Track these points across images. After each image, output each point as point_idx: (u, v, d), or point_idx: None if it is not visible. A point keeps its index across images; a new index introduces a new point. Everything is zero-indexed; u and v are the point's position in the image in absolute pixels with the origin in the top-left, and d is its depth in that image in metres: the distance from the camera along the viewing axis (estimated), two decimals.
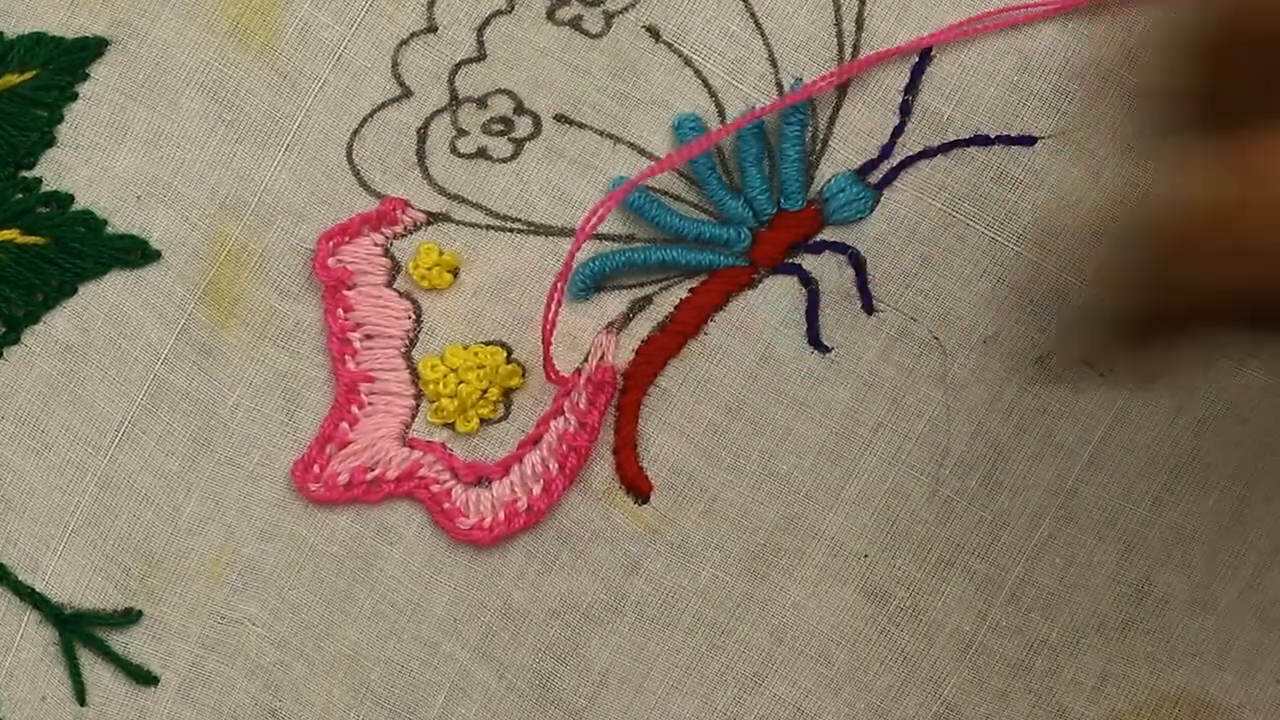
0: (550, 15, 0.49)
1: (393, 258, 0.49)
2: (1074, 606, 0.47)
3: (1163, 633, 0.47)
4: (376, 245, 0.49)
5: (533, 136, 0.49)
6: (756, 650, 0.48)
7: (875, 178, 0.48)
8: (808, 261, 0.48)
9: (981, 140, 0.48)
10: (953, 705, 0.47)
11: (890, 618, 0.48)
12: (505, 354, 0.48)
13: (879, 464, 0.48)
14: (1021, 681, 0.47)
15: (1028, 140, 0.48)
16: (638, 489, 0.48)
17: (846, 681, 0.48)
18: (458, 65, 0.49)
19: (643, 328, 0.48)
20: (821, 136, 0.48)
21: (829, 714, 0.48)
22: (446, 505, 0.48)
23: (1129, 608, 0.47)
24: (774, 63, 0.48)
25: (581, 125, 0.48)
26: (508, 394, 0.48)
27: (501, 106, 0.49)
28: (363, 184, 0.49)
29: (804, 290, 0.48)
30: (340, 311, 0.48)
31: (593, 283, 0.48)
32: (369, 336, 0.48)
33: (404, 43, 0.49)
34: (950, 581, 0.47)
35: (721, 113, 0.48)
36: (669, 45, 0.48)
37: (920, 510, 0.47)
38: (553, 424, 0.48)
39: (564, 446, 0.48)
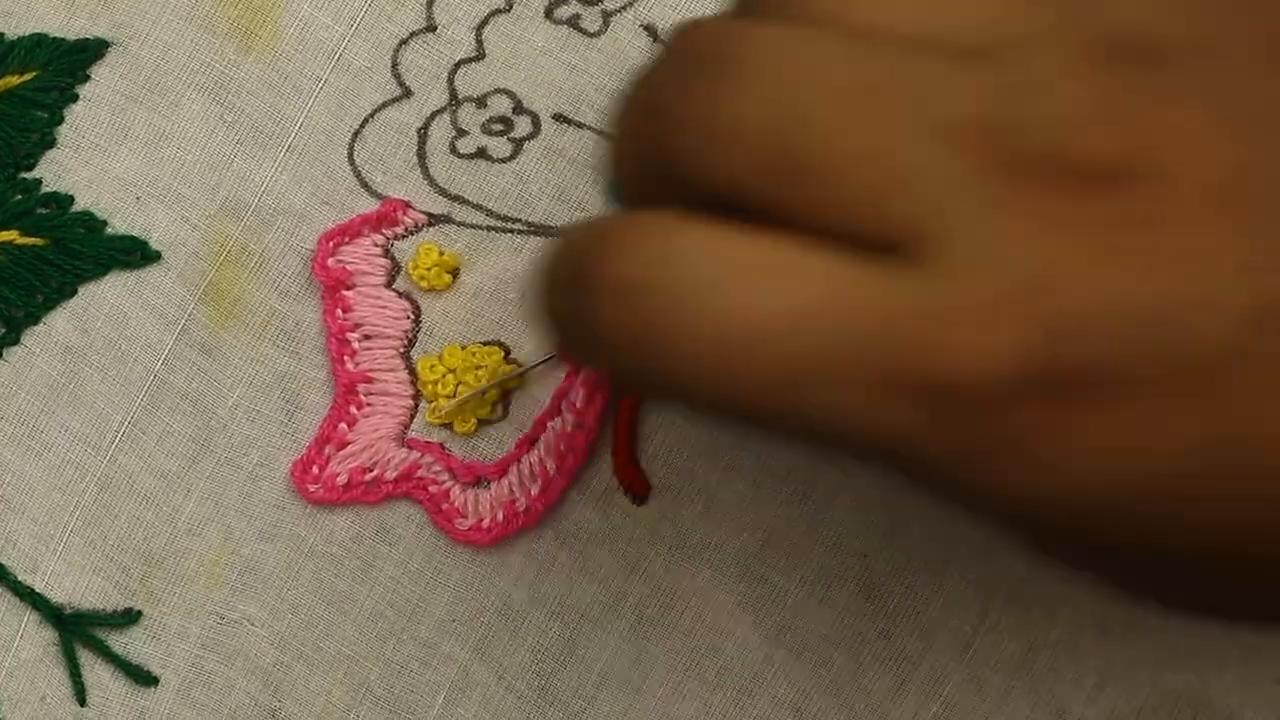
0: (548, 14, 0.49)
1: (393, 258, 0.49)
2: (1075, 606, 0.47)
3: (1163, 633, 0.47)
4: (377, 246, 0.49)
5: (532, 136, 0.48)
6: (755, 651, 0.48)
7: None
8: None
9: None
10: (953, 705, 0.47)
11: (890, 617, 0.47)
12: (503, 354, 0.48)
13: None
14: (1022, 681, 0.47)
15: None
16: (636, 489, 0.48)
17: (846, 682, 0.48)
18: (457, 65, 0.49)
19: None
20: None
21: (828, 715, 0.48)
22: (445, 506, 0.48)
23: (1130, 607, 0.47)
24: None
25: (580, 125, 0.48)
26: (506, 394, 0.48)
27: (501, 106, 0.49)
28: (364, 185, 0.49)
29: None
30: (339, 312, 0.48)
31: None
32: (368, 337, 0.48)
33: (403, 42, 0.49)
34: (950, 581, 0.47)
35: None
36: None
37: (920, 509, 0.47)
38: (550, 424, 0.48)
39: (562, 446, 0.48)
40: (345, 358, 0.48)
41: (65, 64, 0.49)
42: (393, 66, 0.49)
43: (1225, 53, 0.31)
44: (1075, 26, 0.31)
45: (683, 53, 0.33)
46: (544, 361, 0.48)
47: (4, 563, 0.49)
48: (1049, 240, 0.30)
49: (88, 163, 0.49)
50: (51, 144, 0.49)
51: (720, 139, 0.32)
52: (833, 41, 0.32)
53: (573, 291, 0.33)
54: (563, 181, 0.48)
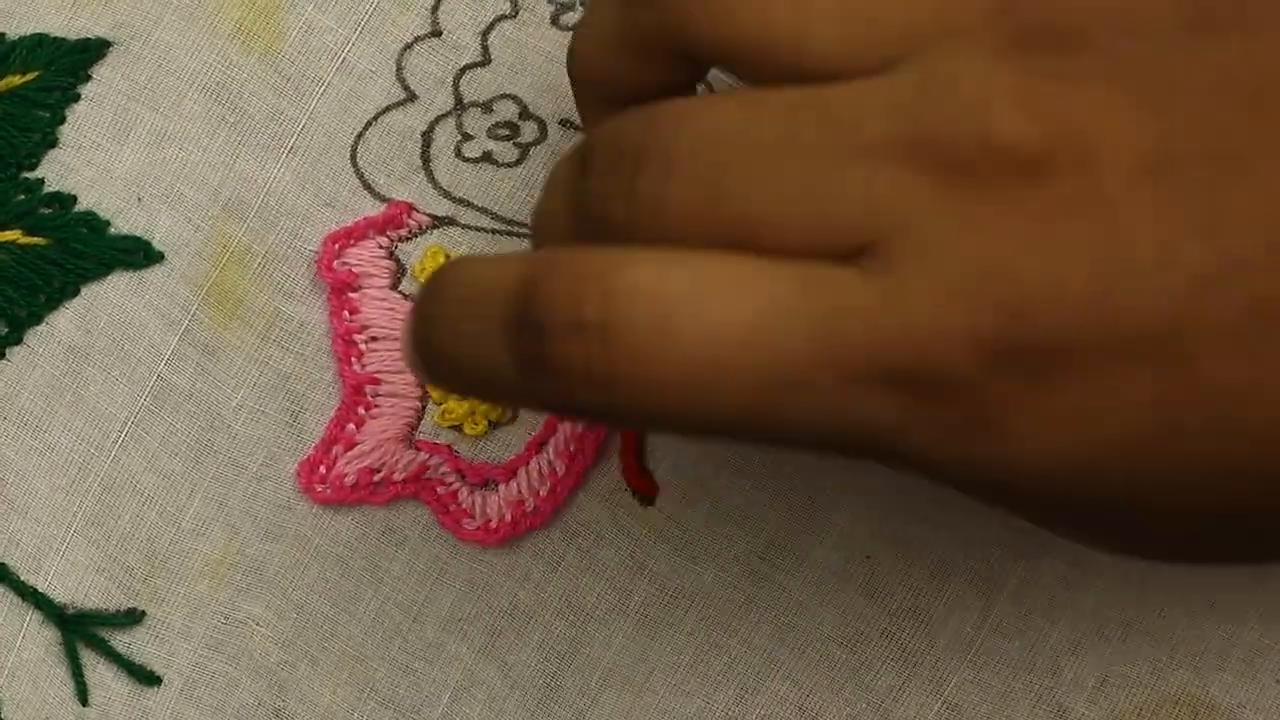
0: (554, 20, 0.49)
1: (398, 260, 0.49)
2: (1075, 606, 0.48)
3: (1164, 633, 0.48)
4: (381, 248, 0.49)
5: (538, 141, 0.49)
6: (759, 650, 0.48)
7: None
8: None
9: None
10: (954, 705, 0.48)
11: (892, 618, 0.48)
12: None
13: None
14: (1023, 681, 0.48)
15: None
16: (643, 491, 0.48)
17: (848, 681, 0.48)
18: (462, 70, 0.49)
19: None
20: None
21: (831, 713, 0.48)
22: (453, 507, 0.48)
23: (1130, 608, 0.48)
24: None
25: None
26: None
27: (507, 111, 0.49)
28: (367, 187, 0.49)
29: None
30: (346, 314, 0.49)
31: None
32: (375, 339, 0.49)
33: (408, 47, 0.49)
34: (952, 582, 0.48)
35: None
36: None
37: (923, 510, 0.48)
38: (560, 425, 0.48)
39: (571, 448, 0.48)
40: (352, 359, 0.49)
41: (67, 64, 0.49)
42: (397, 71, 0.49)
43: (1145, 28, 0.32)
44: (989, 20, 0.33)
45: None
46: None
47: (7, 563, 0.49)
48: (991, 230, 0.31)
49: (90, 162, 0.49)
50: (54, 144, 0.49)
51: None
52: (738, 104, 0.33)
53: (508, 334, 0.33)
54: None
